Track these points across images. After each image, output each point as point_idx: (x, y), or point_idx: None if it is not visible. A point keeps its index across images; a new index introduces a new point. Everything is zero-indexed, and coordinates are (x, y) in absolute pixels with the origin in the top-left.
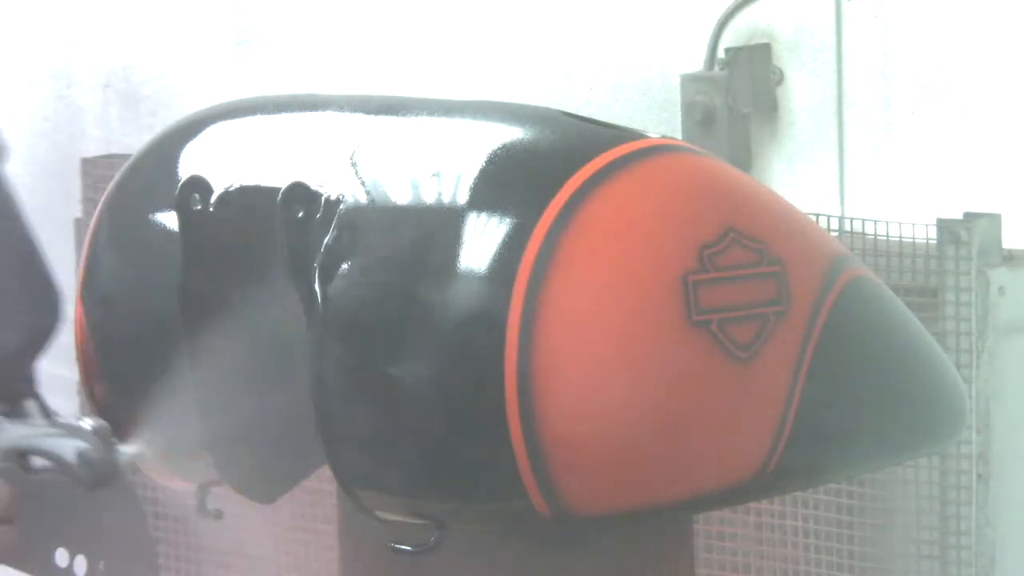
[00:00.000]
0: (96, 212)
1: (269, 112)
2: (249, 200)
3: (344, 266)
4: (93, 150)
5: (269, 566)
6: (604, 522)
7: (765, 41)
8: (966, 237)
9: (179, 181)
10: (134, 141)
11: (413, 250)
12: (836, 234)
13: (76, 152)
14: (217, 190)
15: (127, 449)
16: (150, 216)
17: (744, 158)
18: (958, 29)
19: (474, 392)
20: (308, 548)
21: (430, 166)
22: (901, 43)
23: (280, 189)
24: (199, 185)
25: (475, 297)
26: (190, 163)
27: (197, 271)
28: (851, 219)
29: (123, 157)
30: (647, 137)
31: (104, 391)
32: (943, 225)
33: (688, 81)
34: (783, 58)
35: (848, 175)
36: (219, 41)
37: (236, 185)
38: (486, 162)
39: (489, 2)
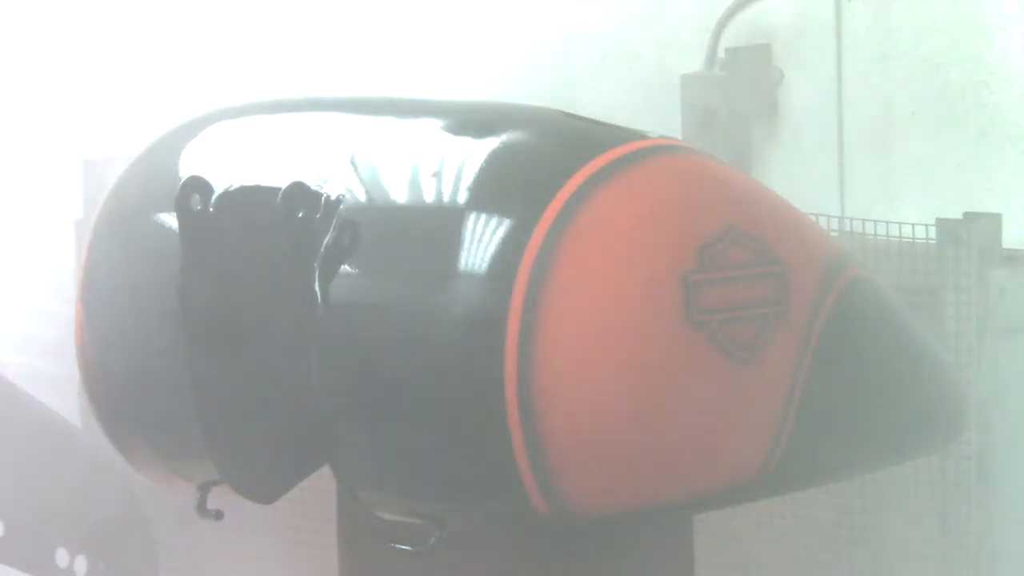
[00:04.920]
0: (96, 212)
1: (269, 112)
2: (249, 200)
3: (344, 266)
4: (93, 150)
5: (269, 566)
6: (604, 522)
7: (765, 41)
8: (966, 237)
9: (179, 181)
10: (134, 141)
11: (413, 250)
12: (836, 234)
13: (77, 153)
14: (217, 190)
15: None
16: (150, 216)
17: (744, 158)
18: (958, 29)
19: (474, 392)
20: (308, 548)
21: (430, 166)
22: (901, 43)
23: (280, 189)
24: (199, 185)
25: (475, 297)
26: (190, 163)
27: (197, 271)
28: (851, 219)
29: (124, 158)
30: (647, 137)
31: (104, 391)
32: (943, 225)
33: (688, 81)
34: (783, 58)
35: (848, 175)
36: (219, 41)
37: (236, 185)
38: (486, 162)
39: (489, 3)
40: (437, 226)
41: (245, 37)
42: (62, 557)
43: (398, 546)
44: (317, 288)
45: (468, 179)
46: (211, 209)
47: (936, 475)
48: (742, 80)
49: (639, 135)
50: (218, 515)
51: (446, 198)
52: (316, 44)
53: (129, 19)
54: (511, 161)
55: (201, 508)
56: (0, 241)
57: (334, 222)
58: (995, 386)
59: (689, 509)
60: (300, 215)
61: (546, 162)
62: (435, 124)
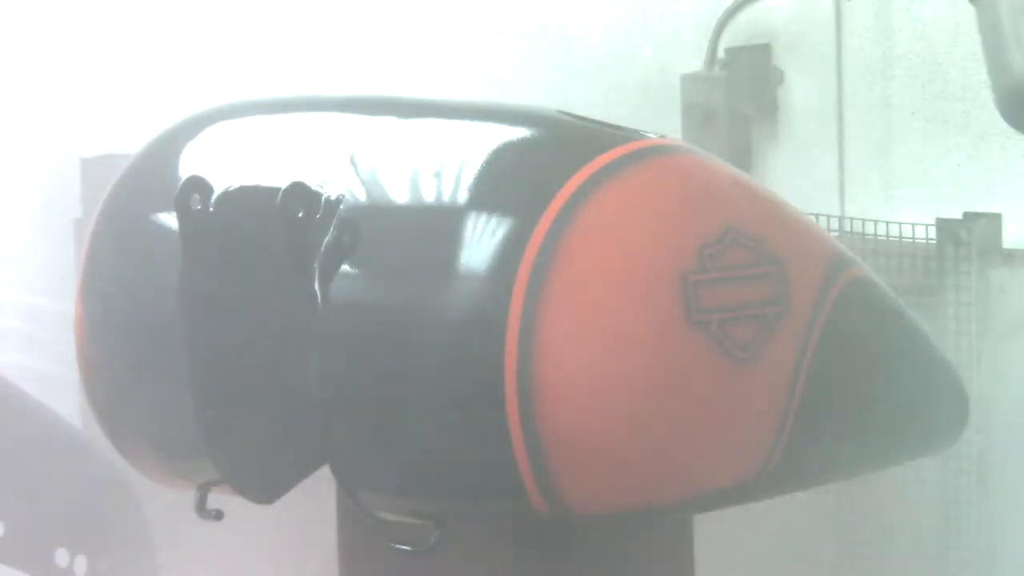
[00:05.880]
0: (96, 212)
1: (269, 112)
2: (249, 200)
3: (344, 266)
4: (93, 150)
5: (269, 566)
6: (604, 522)
7: (765, 41)
8: (966, 237)
9: (179, 181)
10: (134, 141)
11: (413, 250)
12: (836, 234)
13: (76, 152)
14: (217, 190)
15: None
16: (150, 216)
17: (744, 158)
18: (958, 29)
19: (474, 392)
20: (308, 548)
21: (430, 166)
22: (901, 43)
23: (280, 189)
24: (199, 185)
25: (475, 297)
26: (190, 163)
27: (197, 271)
28: (851, 219)
29: (123, 157)
30: (647, 137)
31: (104, 391)
32: (943, 225)
33: (688, 81)
34: (783, 58)
35: (848, 175)
36: (219, 41)
37: (236, 185)
38: (486, 163)
39: (489, 3)
40: (437, 226)
41: (245, 37)
42: (62, 557)
43: (398, 546)
44: (317, 288)
45: (468, 179)
46: (211, 209)
47: (936, 475)
48: (742, 80)
49: (639, 135)
50: (218, 515)
51: (446, 198)
52: (316, 44)
53: (128, 18)
54: (511, 161)
55: (201, 508)
56: (0, 241)
57: (334, 222)
58: (995, 386)
59: (689, 509)
60: (300, 215)
61: (546, 162)
62: (435, 124)
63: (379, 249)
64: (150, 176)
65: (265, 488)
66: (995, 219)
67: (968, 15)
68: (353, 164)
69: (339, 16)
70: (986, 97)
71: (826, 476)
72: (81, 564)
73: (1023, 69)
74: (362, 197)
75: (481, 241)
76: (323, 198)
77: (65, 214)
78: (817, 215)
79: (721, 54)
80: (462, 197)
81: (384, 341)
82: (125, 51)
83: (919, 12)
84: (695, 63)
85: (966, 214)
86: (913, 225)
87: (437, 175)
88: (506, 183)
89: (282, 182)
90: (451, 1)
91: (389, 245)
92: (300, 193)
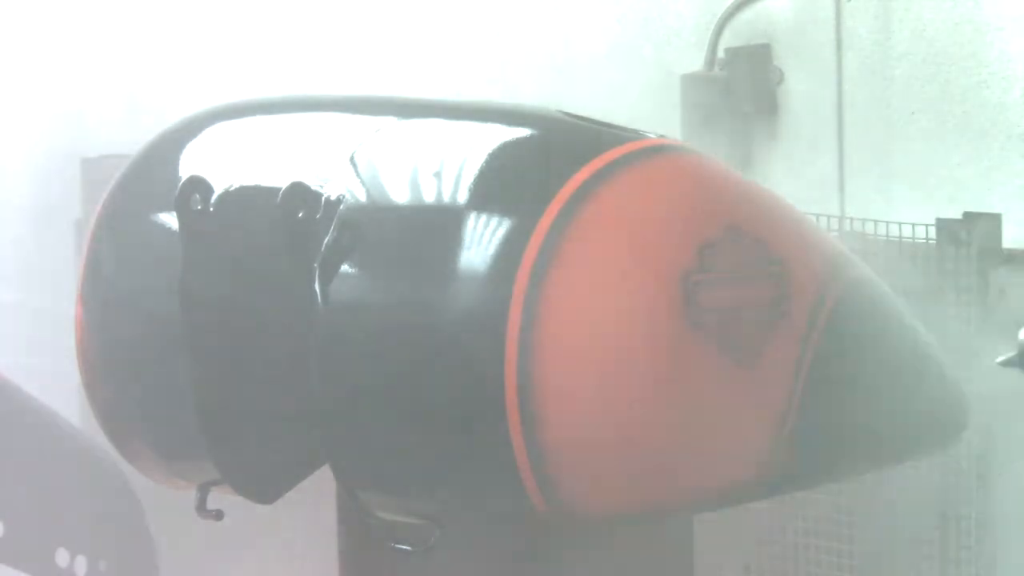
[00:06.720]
0: (96, 212)
1: (269, 112)
2: (249, 200)
3: (344, 266)
4: (93, 150)
5: (269, 566)
6: (604, 522)
7: (765, 41)
8: (966, 237)
9: (179, 181)
10: (134, 141)
11: (413, 250)
12: (836, 234)
13: (76, 152)
14: (217, 190)
15: None
16: (150, 216)
17: (744, 158)
18: (958, 29)
19: (474, 392)
20: (308, 548)
21: (430, 166)
22: (901, 43)
23: (280, 189)
24: (199, 185)
25: (475, 297)
26: (190, 163)
27: (197, 271)
28: (851, 219)
29: (123, 157)
30: (647, 137)
31: (104, 391)
32: (943, 225)
33: (688, 81)
34: (783, 58)
35: (848, 175)
36: (219, 41)
37: (236, 185)
38: (486, 162)
39: (490, 3)
40: (437, 226)
41: (245, 37)
42: (62, 557)
43: (398, 546)
44: (317, 288)
45: (468, 179)
46: (211, 209)
47: (936, 475)
48: (742, 80)
49: (639, 135)
50: (218, 515)
51: (446, 198)
52: (316, 44)
53: (129, 19)
54: (511, 161)
55: (201, 508)
56: (0, 240)
57: (334, 222)
58: (995, 386)
59: (689, 509)
60: (300, 215)
61: (546, 162)
62: (435, 124)
63: (379, 249)
64: (150, 176)
65: (265, 488)
66: (995, 219)
67: (968, 15)
68: (353, 164)
69: (339, 16)
70: (986, 97)
71: (826, 476)
72: (81, 564)
73: None
74: (362, 197)
75: (481, 241)
76: (323, 198)
77: (65, 214)
78: (817, 215)
79: (721, 54)
80: (462, 197)
81: (384, 341)
82: (125, 51)
83: (919, 12)
84: (695, 63)
85: (966, 214)
86: (913, 225)
87: (437, 175)
88: (506, 183)
89: (282, 182)
90: (452, 2)
91: (389, 245)
92: (300, 193)
